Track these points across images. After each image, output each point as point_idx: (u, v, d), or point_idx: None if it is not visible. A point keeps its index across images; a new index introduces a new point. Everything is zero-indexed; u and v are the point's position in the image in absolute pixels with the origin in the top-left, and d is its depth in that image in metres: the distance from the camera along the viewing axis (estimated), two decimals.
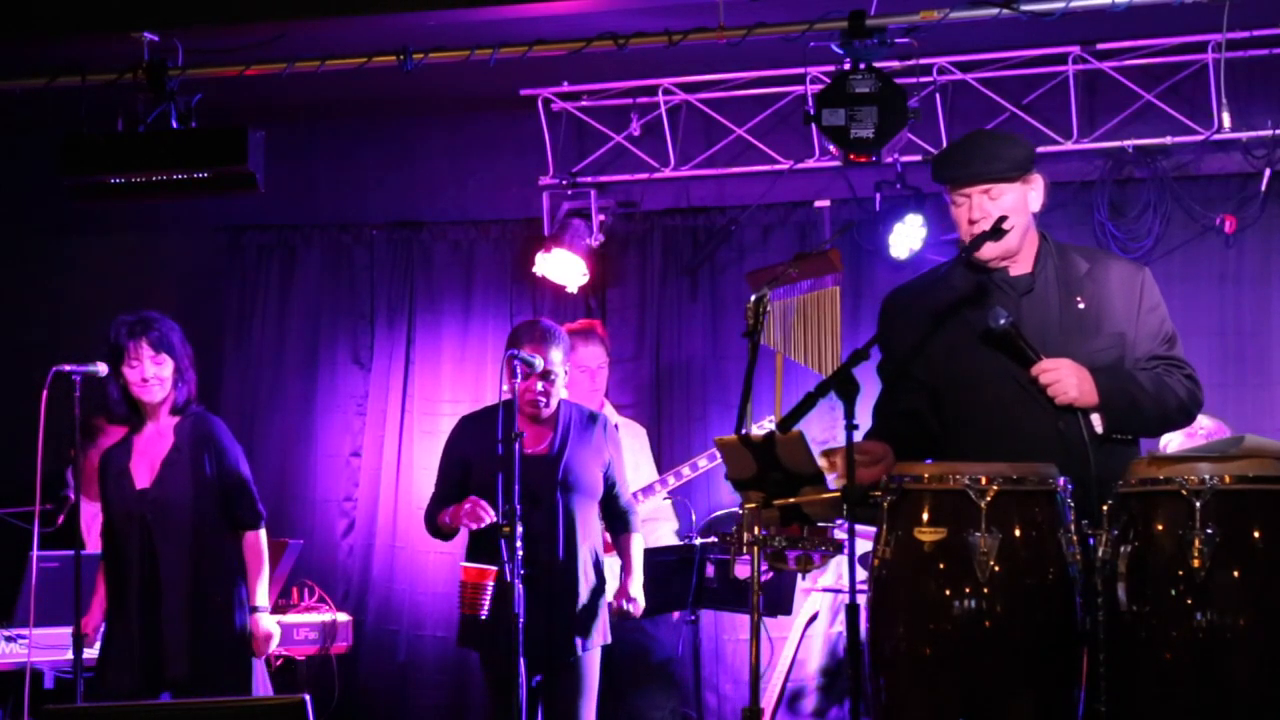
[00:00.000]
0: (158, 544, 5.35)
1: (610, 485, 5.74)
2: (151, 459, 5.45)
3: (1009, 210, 4.29)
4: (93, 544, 6.03)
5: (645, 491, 6.69)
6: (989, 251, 4.29)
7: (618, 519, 5.83)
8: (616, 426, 6.09)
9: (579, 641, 5.53)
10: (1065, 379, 4.17)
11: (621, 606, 5.71)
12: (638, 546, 5.82)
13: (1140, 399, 4.22)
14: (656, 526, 6.80)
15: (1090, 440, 4.14)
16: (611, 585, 5.75)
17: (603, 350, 6.82)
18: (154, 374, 5.42)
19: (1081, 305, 4.31)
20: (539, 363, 5.50)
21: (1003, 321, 4.19)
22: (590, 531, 5.63)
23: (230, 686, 5.26)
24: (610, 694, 6.07)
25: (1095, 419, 4.19)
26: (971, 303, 4.32)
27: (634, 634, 6.43)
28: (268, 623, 5.50)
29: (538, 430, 5.61)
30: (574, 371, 6.37)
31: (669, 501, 6.96)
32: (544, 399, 5.58)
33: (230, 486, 5.48)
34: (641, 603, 5.76)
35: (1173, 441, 6.19)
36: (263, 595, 5.48)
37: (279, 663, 6.55)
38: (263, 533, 5.51)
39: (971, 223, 4.30)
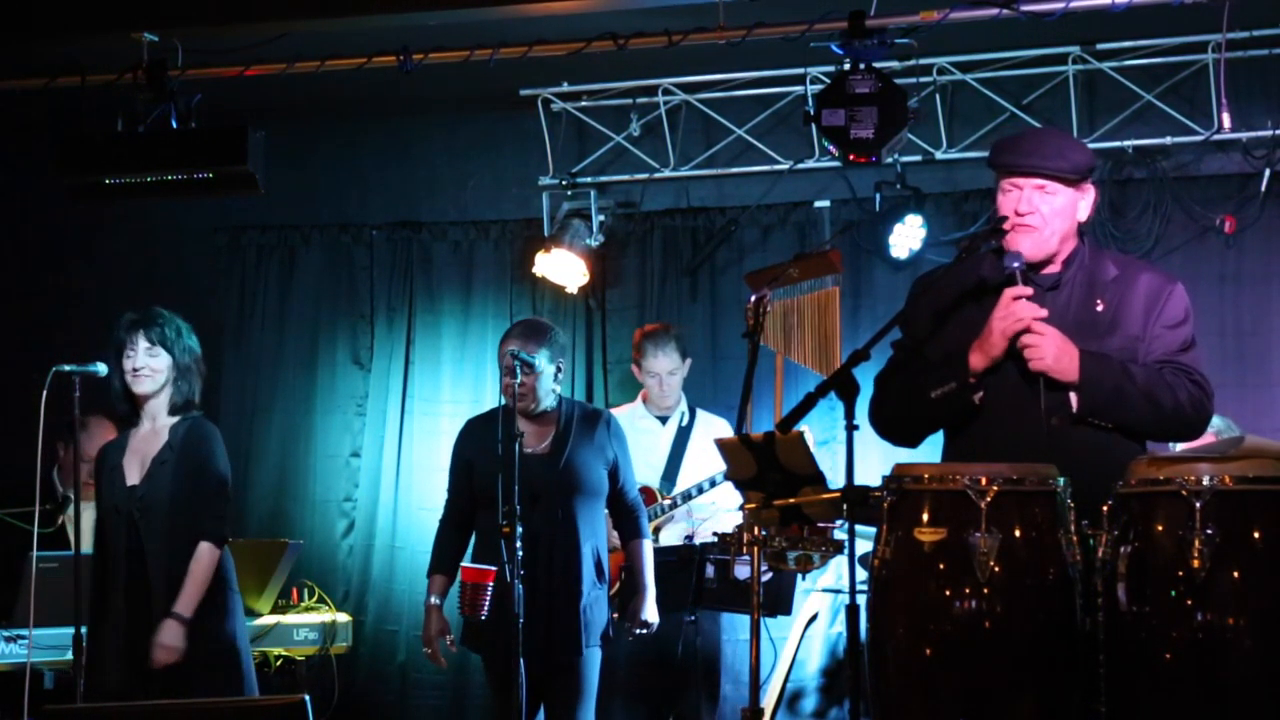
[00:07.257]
0: (145, 543, 5.28)
1: (617, 484, 5.69)
2: (144, 457, 5.39)
3: (1056, 211, 4.22)
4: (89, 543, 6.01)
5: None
6: (1026, 250, 4.21)
7: (626, 519, 5.75)
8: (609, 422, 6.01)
9: (579, 641, 5.50)
10: (1045, 344, 4.10)
11: (634, 632, 5.68)
12: (648, 555, 5.72)
13: (1127, 388, 4.12)
14: (668, 527, 6.79)
15: (1053, 420, 4.07)
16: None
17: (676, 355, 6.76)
18: (145, 364, 5.38)
19: (1100, 308, 4.24)
20: (540, 362, 5.52)
21: (1016, 265, 4.14)
22: (593, 531, 5.59)
23: (219, 690, 5.17)
24: (609, 694, 6.06)
25: (1072, 398, 4.12)
26: (995, 289, 4.24)
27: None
28: (174, 633, 5.23)
29: (537, 429, 5.60)
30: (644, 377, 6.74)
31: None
32: (519, 390, 5.56)
33: (209, 493, 5.36)
34: (655, 624, 5.72)
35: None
36: (185, 604, 5.23)
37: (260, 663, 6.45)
38: (215, 550, 5.30)
39: (1018, 214, 4.22)
